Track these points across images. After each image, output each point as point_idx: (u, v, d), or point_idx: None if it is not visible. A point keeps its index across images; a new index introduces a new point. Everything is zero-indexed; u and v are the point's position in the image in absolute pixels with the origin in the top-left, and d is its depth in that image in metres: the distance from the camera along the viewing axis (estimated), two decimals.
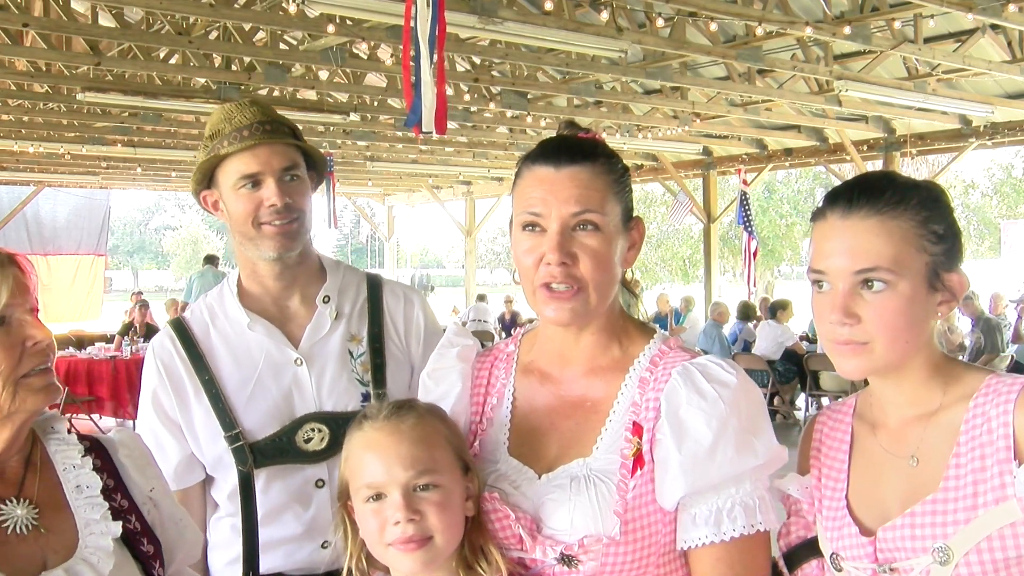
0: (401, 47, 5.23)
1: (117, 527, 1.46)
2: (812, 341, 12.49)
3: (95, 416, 10.69)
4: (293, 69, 10.44)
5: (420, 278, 43.41)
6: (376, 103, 12.03)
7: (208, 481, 2.04)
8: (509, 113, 12.18)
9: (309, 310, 2.07)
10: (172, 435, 2.00)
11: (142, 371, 2.10)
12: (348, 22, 8.17)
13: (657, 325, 1.74)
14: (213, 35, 9.53)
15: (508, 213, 1.63)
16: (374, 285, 2.15)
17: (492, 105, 11.50)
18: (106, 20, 9.05)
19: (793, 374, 11.53)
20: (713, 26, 8.91)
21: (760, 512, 1.45)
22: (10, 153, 14.62)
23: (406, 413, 1.52)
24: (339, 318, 2.08)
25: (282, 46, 10.03)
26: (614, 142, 11.76)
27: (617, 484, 1.47)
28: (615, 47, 8.55)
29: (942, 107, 11.38)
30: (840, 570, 1.51)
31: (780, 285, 32.60)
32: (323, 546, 1.95)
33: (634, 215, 1.61)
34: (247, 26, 9.05)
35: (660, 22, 8.67)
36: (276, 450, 1.96)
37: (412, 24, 4.55)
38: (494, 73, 11.68)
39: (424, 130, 4.54)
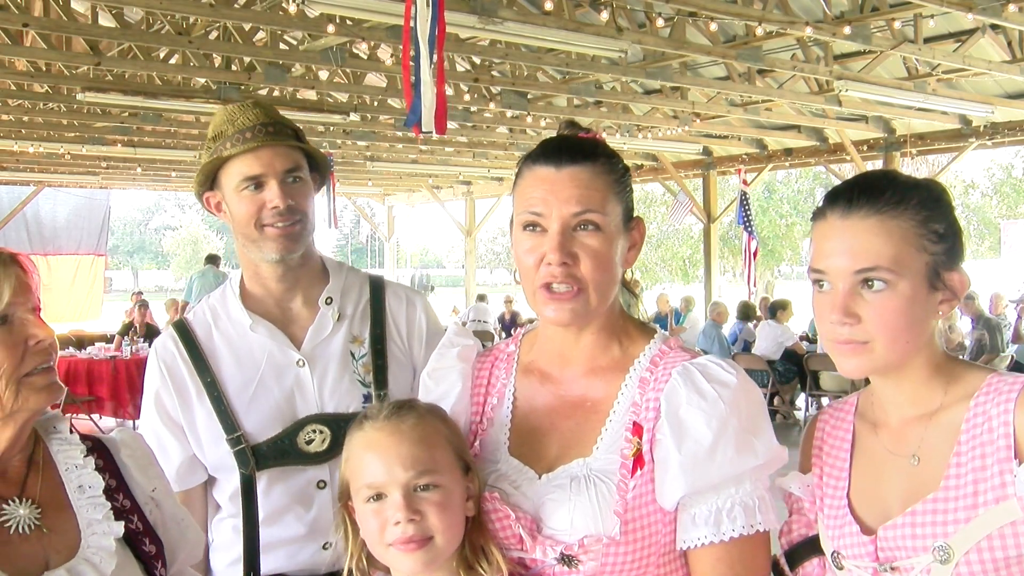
0: (401, 47, 5.23)
1: (119, 527, 1.46)
2: (812, 341, 12.50)
3: (95, 416, 10.69)
4: (293, 69, 10.44)
5: (420, 278, 43.38)
6: (376, 103, 12.03)
7: (210, 482, 2.04)
8: (509, 113, 12.18)
9: (311, 311, 2.07)
10: (174, 436, 2.00)
11: (143, 372, 2.10)
12: (348, 22, 8.17)
13: (657, 325, 1.74)
14: (213, 35, 9.54)
15: (508, 213, 1.63)
16: (377, 287, 2.15)
17: (492, 105, 11.50)
18: (106, 20, 9.05)
19: (793, 374, 11.53)
20: (713, 26, 8.92)
21: (760, 512, 1.45)
22: (10, 153, 14.62)
23: (406, 413, 1.52)
24: (341, 319, 2.08)
25: (282, 46, 10.03)
26: (614, 142, 11.76)
27: (617, 484, 1.47)
28: (615, 47, 8.55)
29: (942, 107, 11.38)
30: (841, 568, 1.51)
31: (780, 285, 32.59)
32: (324, 547, 1.95)
33: (634, 215, 1.61)
34: (247, 26, 9.05)
35: (660, 22, 8.67)
36: (278, 452, 1.96)
37: (412, 24, 4.55)
38: (494, 73, 11.68)
39: (424, 130, 4.54)
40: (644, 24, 9.50)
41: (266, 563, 1.97)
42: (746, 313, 13.22)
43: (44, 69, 10.17)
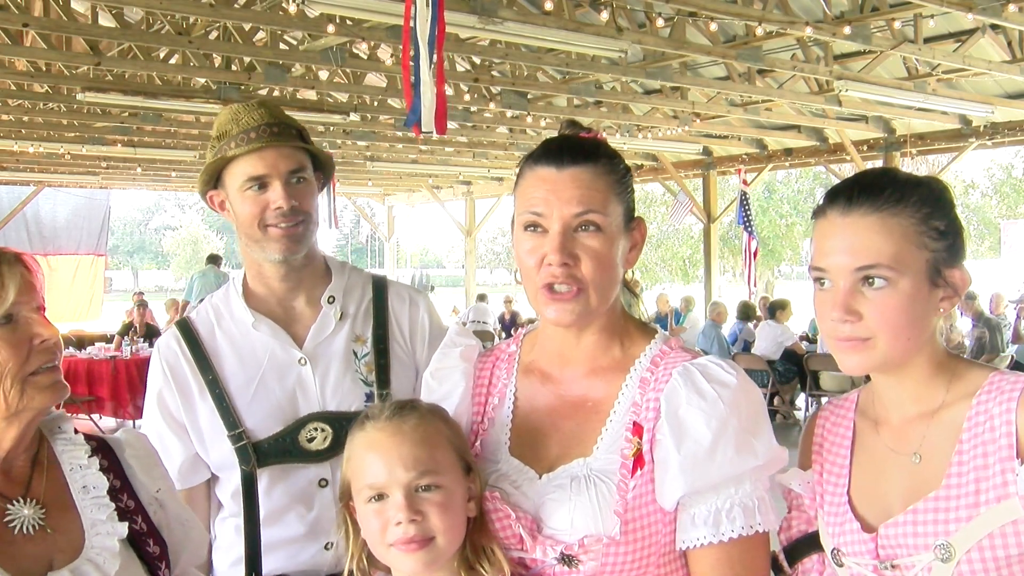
0: (401, 47, 5.23)
1: (123, 528, 1.46)
2: (812, 341, 12.51)
3: (95, 416, 10.69)
4: (293, 69, 10.44)
5: (420, 278, 43.40)
6: (376, 103, 12.03)
7: (213, 480, 2.05)
8: (509, 113, 12.18)
9: (314, 311, 2.07)
10: (176, 435, 2.01)
11: (143, 372, 2.11)
12: (348, 22, 8.17)
13: (658, 325, 1.74)
14: (213, 35, 9.54)
15: (508, 213, 1.63)
16: (379, 287, 2.16)
17: (492, 105, 11.50)
18: (106, 20, 9.05)
19: (793, 374, 11.53)
20: (713, 26, 8.92)
21: (759, 513, 1.45)
22: (10, 153, 14.62)
23: (408, 413, 1.52)
24: (344, 319, 2.08)
25: (282, 46, 10.03)
26: (614, 142, 11.66)
27: (617, 484, 1.47)
28: (615, 47, 8.55)
29: (942, 107, 11.39)
30: (841, 565, 1.52)
31: (780, 285, 32.63)
32: (326, 547, 1.95)
33: (635, 215, 1.61)
34: (247, 26, 9.05)
35: (660, 22, 8.67)
36: (279, 450, 1.96)
37: (412, 24, 4.56)
38: (494, 73, 11.68)
39: (424, 130, 4.55)
40: (644, 24, 9.50)
41: (267, 563, 1.97)
42: (746, 313, 13.21)
43: (44, 69, 10.17)
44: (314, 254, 2.10)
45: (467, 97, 11.37)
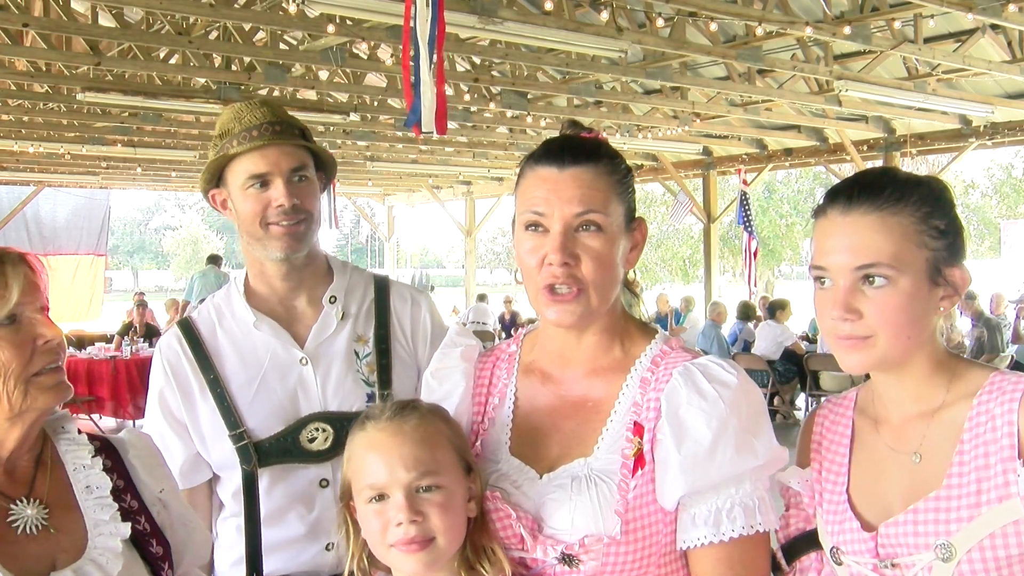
0: (401, 47, 5.23)
1: (126, 528, 1.46)
2: (812, 341, 12.52)
3: (95, 416, 10.69)
4: (293, 69, 10.44)
5: (420, 278, 43.39)
6: (376, 103, 12.03)
7: (214, 480, 2.05)
8: (509, 113, 12.18)
9: (315, 310, 2.07)
10: (177, 435, 2.01)
11: (143, 372, 2.11)
12: (348, 22, 8.17)
13: (658, 325, 1.74)
14: (213, 35, 9.53)
15: (509, 213, 1.63)
16: (381, 287, 2.16)
17: (492, 105, 11.50)
18: (106, 20, 9.04)
19: (793, 374, 11.53)
20: (713, 26, 8.91)
21: (760, 513, 1.45)
22: (10, 153, 14.62)
23: (409, 414, 1.53)
24: (345, 318, 2.08)
25: (282, 46, 10.03)
26: (614, 142, 11.64)
27: (618, 484, 1.47)
28: (615, 47, 8.55)
29: (942, 107, 11.39)
30: (840, 564, 1.52)
31: (780, 285, 32.64)
32: (327, 548, 1.95)
33: (636, 216, 1.61)
34: (247, 26, 9.05)
35: (660, 22, 8.67)
36: (280, 449, 1.96)
37: (412, 24, 4.55)
38: (494, 73, 11.68)
39: (424, 130, 4.54)
40: (644, 24, 9.50)
41: (268, 564, 1.97)
42: (746, 313, 13.21)
43: (44, 69, 10.17)
44: (316, 253, 2.10)
45: (467, 97, 11.37)
